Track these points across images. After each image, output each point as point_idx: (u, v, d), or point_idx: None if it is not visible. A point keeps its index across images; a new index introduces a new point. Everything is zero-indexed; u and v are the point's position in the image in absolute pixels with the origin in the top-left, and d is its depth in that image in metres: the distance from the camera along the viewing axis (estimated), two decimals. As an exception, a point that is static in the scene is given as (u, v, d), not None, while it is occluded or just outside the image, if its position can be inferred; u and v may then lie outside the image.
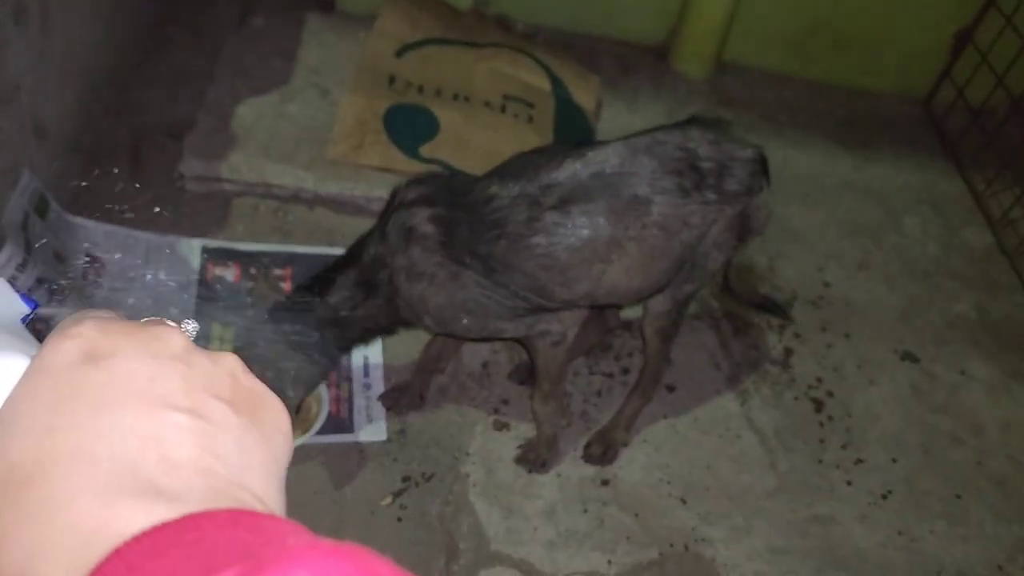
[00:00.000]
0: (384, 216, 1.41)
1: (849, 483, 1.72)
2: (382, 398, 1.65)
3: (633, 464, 1.65)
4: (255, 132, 2.04)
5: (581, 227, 1.34)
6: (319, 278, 1.42)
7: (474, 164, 2.02)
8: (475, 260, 1.35)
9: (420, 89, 2.18)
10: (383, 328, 1.49)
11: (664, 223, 1.37)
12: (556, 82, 2.37)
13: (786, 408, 1.83)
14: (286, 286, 1.80)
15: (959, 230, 2.43)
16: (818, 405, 1.86)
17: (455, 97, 2.18)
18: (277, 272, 1.83)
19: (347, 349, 1.49)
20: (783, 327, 2.00)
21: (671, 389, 1.80)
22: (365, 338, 1.49)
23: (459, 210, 1.36)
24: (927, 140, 2.75)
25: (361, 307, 1.41)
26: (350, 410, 1.63)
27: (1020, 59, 2.46)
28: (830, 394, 1.89)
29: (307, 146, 2.04)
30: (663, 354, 1.62)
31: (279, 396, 0.45)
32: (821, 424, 1.82)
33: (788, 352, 1.95)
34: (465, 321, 1.42)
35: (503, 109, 2.19)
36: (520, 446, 1.63)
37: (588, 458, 1.65)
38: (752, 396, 1.84)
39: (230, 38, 2.35)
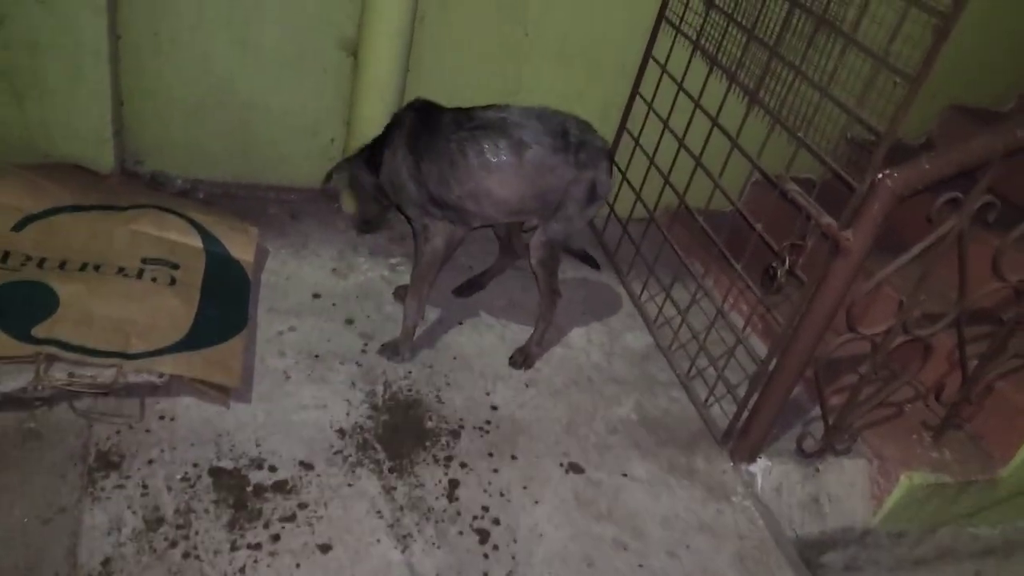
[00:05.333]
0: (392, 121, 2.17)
1: (513, 614, 1.70)
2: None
3: (277, 645, 1.52)
4: None
5: (481, 146, 2.05)
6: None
7: (98, 339, 1.88)
8: (418, 152, 2.08)
9: (41, 263, 2.01)
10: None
11: (536, 163, 2.08)
12: (208, 238, 2.31)
13: (451, 546, 1.80)
14: None
15: (620, 335, 2.61)
16: (483, 536, 1.84)
17: (83, 268, 2.04)
18: None
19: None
20: (449, 460, 2.00)
21: (326, 549, 1.71)
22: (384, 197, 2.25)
23: (426, 121, 2.10)
24: (594, 253, 2.97)
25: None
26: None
27: (650, 176, 2.76)
28: (496, 521, 1.88)
29: None
30: (549, 284, 2.29)
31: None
32: (486, 556, 1.80)
33: (454, 484, 1.94)
34: (399, 192, 2.15)
35: (140, 274, 2.08)
36: (383, 346, 2.25)
37: (513, 363, 2.35)
38: (415, 540, 1.79)
39: None
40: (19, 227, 2.10)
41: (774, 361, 2.14)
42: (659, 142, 2.72)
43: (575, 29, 2.76)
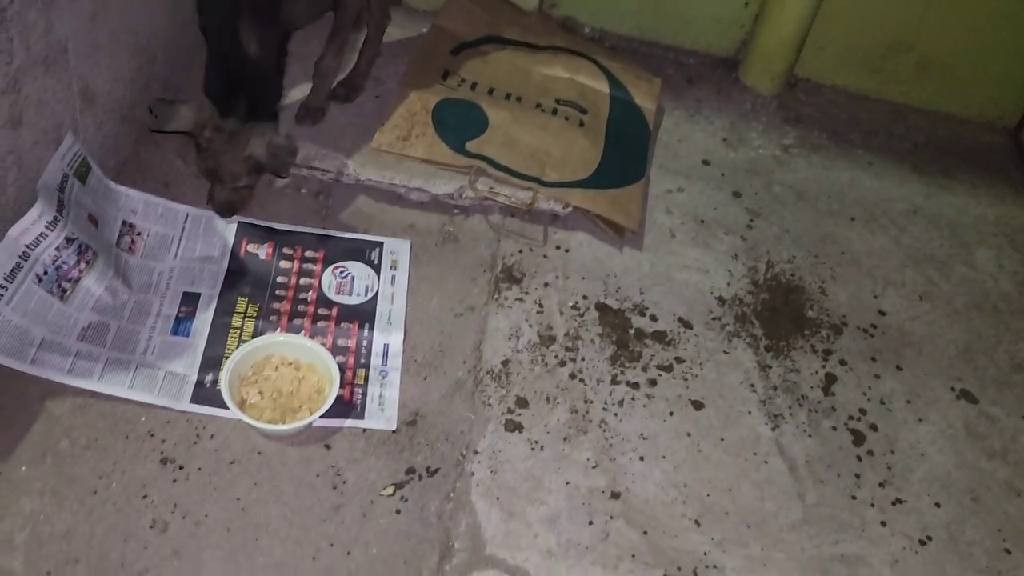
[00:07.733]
0: None
1: (884, 523, 1.59)
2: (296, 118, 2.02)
3: (647, 480, 1.57)
4: (305, 116, 2.06)
5: None
6: None
7: (519, 163, 1.99)
8: None
9: (473, 86, 2.16)
10: None
11: None
12: (615, 84, 2.32)
13: (822, 437, 1.72)
14: (317, 269, 1.80)
15: (1038, 268, 2.26)
16: (858, 438, 1.73)
17: (507, 97, 2.16)
18: (309, 254, 1.83)
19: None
20: (828, 353, 1.89)
21: (699, 406, 1.71)
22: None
23: None
24: (1011, 172, 2.57)
25: None
26: (363, 395, 1.60)
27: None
28: (873, 428, 1.76)
29: (354, 132, 2.04)
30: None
31: None
32: (859, 458, 1.70)
33: (831, 379, 1.84)
34: None
35: (554, 112, 2.15)
36: (299, 108, 2.01)
37: (334, 96, 2.07)
38: (786, 421, 1.73)
39: (296, 26, 2.38)
40: (456, 51, 2.25)
41: None
42: None
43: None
